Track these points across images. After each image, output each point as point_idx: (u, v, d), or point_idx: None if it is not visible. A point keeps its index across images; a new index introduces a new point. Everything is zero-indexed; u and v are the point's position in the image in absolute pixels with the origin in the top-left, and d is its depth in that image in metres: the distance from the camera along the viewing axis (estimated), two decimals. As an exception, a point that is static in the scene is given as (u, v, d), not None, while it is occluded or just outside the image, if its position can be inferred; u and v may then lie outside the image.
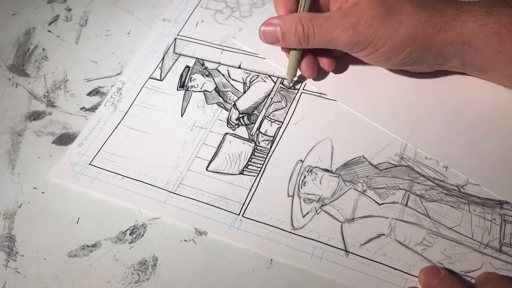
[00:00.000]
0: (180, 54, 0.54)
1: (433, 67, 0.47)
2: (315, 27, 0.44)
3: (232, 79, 0.52)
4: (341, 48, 0.45)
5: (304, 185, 0.44)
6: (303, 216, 0.42)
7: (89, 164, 0.47)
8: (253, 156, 0.46)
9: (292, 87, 0.50)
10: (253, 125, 0.48)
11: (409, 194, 0.43)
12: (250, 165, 0.46)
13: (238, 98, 0.50)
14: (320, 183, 0.44)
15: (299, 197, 0.43)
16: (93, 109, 0.51)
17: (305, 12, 0.46)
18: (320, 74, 0.50)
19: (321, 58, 0.49)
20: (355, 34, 0.43)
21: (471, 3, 0.43)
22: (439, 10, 0.43)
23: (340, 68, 0.50)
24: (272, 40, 0.46)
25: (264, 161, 0.46)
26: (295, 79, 0.49)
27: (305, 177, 0.44)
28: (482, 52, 0.43)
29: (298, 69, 0.49)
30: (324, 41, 0.44)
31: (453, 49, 0.43)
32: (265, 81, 0.51)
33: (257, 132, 0.48)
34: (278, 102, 0.49)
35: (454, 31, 0.42)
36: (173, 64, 0.53)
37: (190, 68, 0.53)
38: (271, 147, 0.47)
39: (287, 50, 0.48)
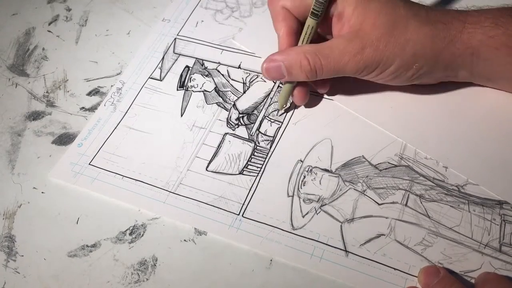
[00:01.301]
0: (180, 54, 0.54)
1: (440, 79, 0.46)
2: (322, 60, 0.42)
3: (232, 79, 0.52)
4: (350, 74, 0.44)
5: (304, 185, 0.44)
6: (303, 216, 0.42)
7: (89, 164, 0.47)
8: (253, 156, 0.46)
9: (283, 113, 0.49)
10: (253, 125, 0.48)
11: (409, 194, 0.43)
12: (250, 165, 0.46)
13: (238, 98, 0.50)
14: (320, 183, 0.44)
15: (299, 197, 0.43)
16: (92, 109, 0.51)
17: (307, 45, 0.44)
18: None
19: (317, 83, 0.47)
20: (363, 60, 0.42)
21: (477, 14, 0.43)
22: (445, 23, 0.42)
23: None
24: (276, 76, 0.45)
25: (264, 161, 0.46)
26: (286, 106, 0.48)
27: (304, 177, 0.44)
28: (491, 63, 0.42)
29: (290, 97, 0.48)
30: (332, 72, 0.43)
31: (462, 61, 0.43)
32: (265, 81, 0.51)
33: (257, 132, 0.48)
34: (278, 102, 0.49)
35: (462, 43, 0.42)
36: (172, 64, 0.53)
37: (190, 68, 0.53)
38: (271, 147, 0.47)
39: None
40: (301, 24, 0.45)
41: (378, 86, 0.49)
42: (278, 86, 0.50)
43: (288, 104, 0.48)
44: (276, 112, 0.49)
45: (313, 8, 0.43)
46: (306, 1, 0.44)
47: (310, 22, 0.44)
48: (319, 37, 0.47)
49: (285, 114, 0.48)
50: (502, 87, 0.46)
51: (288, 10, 0.45)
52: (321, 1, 0.42)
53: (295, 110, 0.49)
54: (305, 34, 0.44)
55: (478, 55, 0.42)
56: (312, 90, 0.49)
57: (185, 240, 0.42)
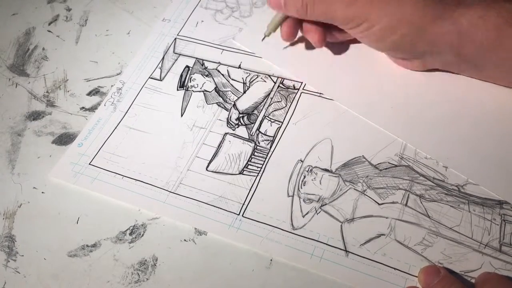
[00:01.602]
0: (180, 54, 0.54)
1: (426, 62, 0.46)
2: None
3: (232, 79, 0.52)
4: (338, 22, 0.45)
5: (304, 185, 0.44)
6: (303, 216, 0.42)
7: (89, 164, 0.47)
8: (253, 156, 0.46)
9: (265, 37, 0.50)
10: (253, 125, 0.48)
11: (409, 194, 0.43)
12: (250, 165, 0.46)
13: (238, 98, 0.50)
14: (320, 183, 0.44)
15: (299, 197, 0.43)
16: (93, 109, 0.51)
17: None
18: (320, 75, 0.50)
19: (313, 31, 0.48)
20: (353, 9, 0.43)
21: None
22: None
23: (340, 68, 0.50)
24: (275, 4, 0.46)
25: (264, 161, 0.46)
26: (273, 33, 0.49)
27: (305, 177, 0.44)
28: (479, 45, 0.42)
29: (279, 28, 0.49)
30: (321, 14, 0.45)
31: (449, 39, 0.43)
32: (265, 81, 0.51)
33: (257, 132, 0.48)
34: (278, 102, 0.49)
35: (451, 20, 0.42)
36: (173, 64, 0.53)
37: (190, 68, 0.53)
38: (271, 147, 0.47)
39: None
40: None
41: (378, 85, 0.49)
42: (278, 86, 0.50)
43: (273, 33, 0.49)
44: (263, 37, 0.50)
45: None
46: None
47: None
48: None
49: (284, 113, 0.48)
50: (489, 76, 0.46)
51: None
52: None
53: (295, 110, 0.49)
54: None
55: (466, 35, 0.42)
56: (313, 91, 0.49)
57: (185, 240, 0.42)
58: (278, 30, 0.49)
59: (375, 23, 0.43)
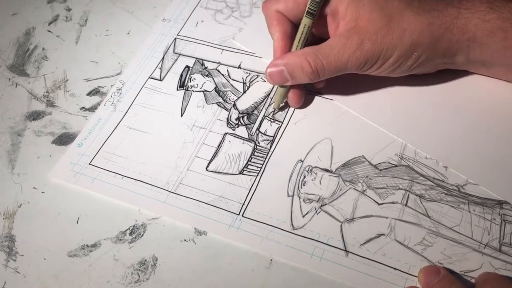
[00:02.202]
0: (180, 54, 0.54)
1: (438, 67, 0.47)
2: (323, 60, 0.43)
3: (232, 79, 0.52)
4: (352, 71, 0.44)
5: (304, 185, 0.44)
6: (303, 216, 0.42)
7: (89, 164, 0.47)
8: (253, 156, 0.46)
9: (278, 111, 0.49)
10: (253, 125, 0.48)
11: (409, 194, 0.43)
12: (250, 165, 0.46)
13: (238, 98, 0.50)
14: (320, 183, 0.44)
15: (299, 197, 0.43)
16: (93, 109, 0.51)
17: (307, 47, 0.44)
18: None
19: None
20: (363, 55, 0.42)
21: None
22: (439, 11, 0.42)
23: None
24: (280, 81, 0.45)
25: (264, 161, 0.46)
26: (282, 105, 0.48)
27: (305, 177, 0.44)
28: (487, 47, 0.43)
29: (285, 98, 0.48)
30: (334, 71, 0.44)
31: (459, 47, 0.43)
32: (265, 81, 0.51)
33: (257, 132, 0.48)
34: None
35: (458, 29, 0.42)
36: (173, 64, 0.53)
37: (190, 68, 0.53)
38: (271, 147, 0.47)
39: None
40: (295, 27, 0.46)
41: (378, 85, 0.49)
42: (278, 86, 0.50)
43: (282, 104, 0.48)
44: (272, 112, 0.49)
45: (308, 8, 0.43)
46: (299, 3, 0.44)
47: (306, 21, 0.44)
48: (314, 39, 0.47)
49: (284, 113, 0.48)
50: (497, 74, 0.47)
51: (282, 13, 0.46)
52: (317, 0, 0.42)
53: (295, 110, 0.49)
54: (301, 33, 0.45)
55: (474, 39, 0.42)
56: (312, 89, 0.49)
57: (185, 240, 0.42)
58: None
59: (388, 58, 0.43)
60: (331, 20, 0.45)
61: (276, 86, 0.50)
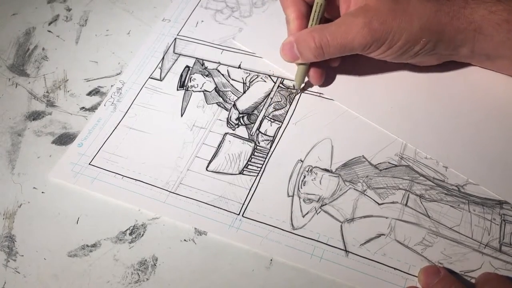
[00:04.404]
0: (180, 54, 0.54)
1: (442, 58, 0.47)
2: (328, 36, 0.43)
3: (232, 79, 0.52)
4: (358, 50, 0.44)
5: (304, 185, 0.44)
6: (303, 216, 0.42)
7: (89, 164, 0.47)
8: (253, 156, 0.46)
9: (301, 92, 0.49)
10: (253, 125, 0.48)
11: (409, 194, 0.43)
12: (250, 165, 0.46)
13: (238, 98, 0.50)
14: (320, 183, 0.44)
15: (299, 197, 0.43)
16: (93, 109, 0.51)
17: (317, 25, 0.45)
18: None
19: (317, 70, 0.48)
20: (370, 33, 0.42)
21: None
22: None
23: (341, 69, 0.50)
24: (290, 56, 0.46)
25: (264, 161, 0.46)
26: (303, 85, 0.49)
27: (305, 177, 0.44)
28: (491, 39, 0.43)
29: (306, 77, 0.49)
30: (340, 48, 0.44)
31: (465, 37, 0.43)
32: (265, 81, 0.51)
33: (257, 132, 0.48)
34: (278, 102, 0.49)
35: (465, 19, 0.42)
36: (173, 64, 0.53)
37: (190, 68, 0.53)
38: (271, 147, 0.47)
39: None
40: (309, 7, 0.47)
41: (378, 85, 0.49)
42: (278, 86, 0.50)
43: (303, 84, 0.49)
44: (295, 91, 0.49)
45: None
46: None
47: (319, 0, 0.45)
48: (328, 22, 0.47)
49: (284, 113, 0.48)
50: (501, 67, 0.47)
51: None
52: None
53: (295, 110, 0.49)
54: (315, 12, 0.46)
55: (480, 30, 0.43)
56: (312, 89, 0.49)
57: (185, 240, 0.42)
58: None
59: (396, 41, 0.43)
60: (342, 1, 0.46)
61: (278, 86, 0.50)
